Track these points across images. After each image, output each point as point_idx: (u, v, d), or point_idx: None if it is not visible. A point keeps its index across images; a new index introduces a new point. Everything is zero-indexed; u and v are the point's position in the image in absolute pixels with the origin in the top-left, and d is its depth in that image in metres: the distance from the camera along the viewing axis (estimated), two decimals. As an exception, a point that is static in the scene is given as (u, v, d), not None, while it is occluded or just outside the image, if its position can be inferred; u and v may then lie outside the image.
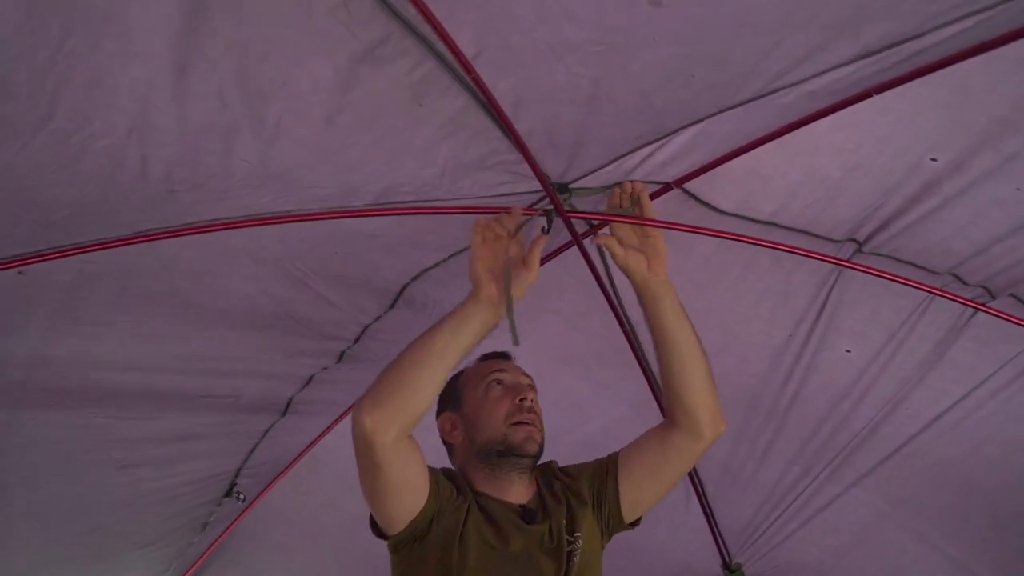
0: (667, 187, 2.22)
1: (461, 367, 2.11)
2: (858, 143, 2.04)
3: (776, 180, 2.20)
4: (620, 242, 2.02)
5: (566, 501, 1.98)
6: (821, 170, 2.14)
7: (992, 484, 2.77)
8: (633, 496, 2.04)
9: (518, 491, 1.96)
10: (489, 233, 1.95)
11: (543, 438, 2.00)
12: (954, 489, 2.87)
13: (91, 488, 2.85)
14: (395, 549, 1.84)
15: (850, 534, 3.29)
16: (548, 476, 2.07)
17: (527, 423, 1.96)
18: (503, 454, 1.93)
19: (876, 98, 1.85)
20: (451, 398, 2.07)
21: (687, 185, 2.28)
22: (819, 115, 1.92)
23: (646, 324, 2.07)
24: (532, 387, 2.06)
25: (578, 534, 1.93)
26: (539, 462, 2.04)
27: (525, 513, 1.93)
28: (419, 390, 1.73)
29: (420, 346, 1.78)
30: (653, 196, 2.18)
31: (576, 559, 1.90)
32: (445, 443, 2.09)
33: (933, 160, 2.00)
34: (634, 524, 2.09)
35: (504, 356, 2.13)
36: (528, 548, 1.86)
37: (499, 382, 2.03)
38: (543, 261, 2.55)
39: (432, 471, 1.85)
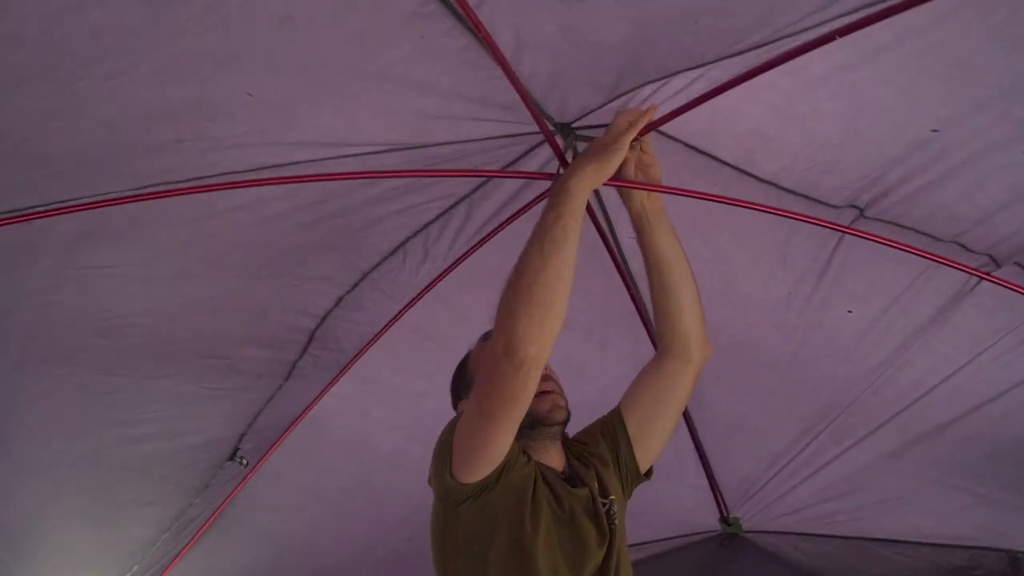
0: (645, 129, 2.17)
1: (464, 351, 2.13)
2: (859, 111, 2.03)
3: (777, 142, 2.19)
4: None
5: (593, 466, 2.01)
6: (822, 135, 2.13)
7: (992, 434, 2.81)
8: (643, 440, 2.07)
9: (554, 458, 1.99)
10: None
11: (567, 402, 2.02)
12: (955, 441, 2.90)
13: (92, 448, 2.86)
14: (459, 502, 1.82)
15: (849, 486, 3.33)
16: (569, 444, 2.09)
17: (547, 391, 1.97)
18: (533, 426, 1.93)
19: (877, 70, 1.86)
20: (466, 385, 2.06)
21: (688, 140, 2.27)
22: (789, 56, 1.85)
23: (641, 251, 2.09)
24: None
25: (612, 496, 1.97)
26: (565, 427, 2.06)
27: (566, 478, 1.96)
28: (563, 305, 1.71)
29: (561, 258, 1.71)
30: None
31: (616, 521, 1.93)
32: None
33: (935, 131, 1.99)
34: (648, 475, 2.12)
35: None
36: (575, 512, 1.88)
37: None
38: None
39: None
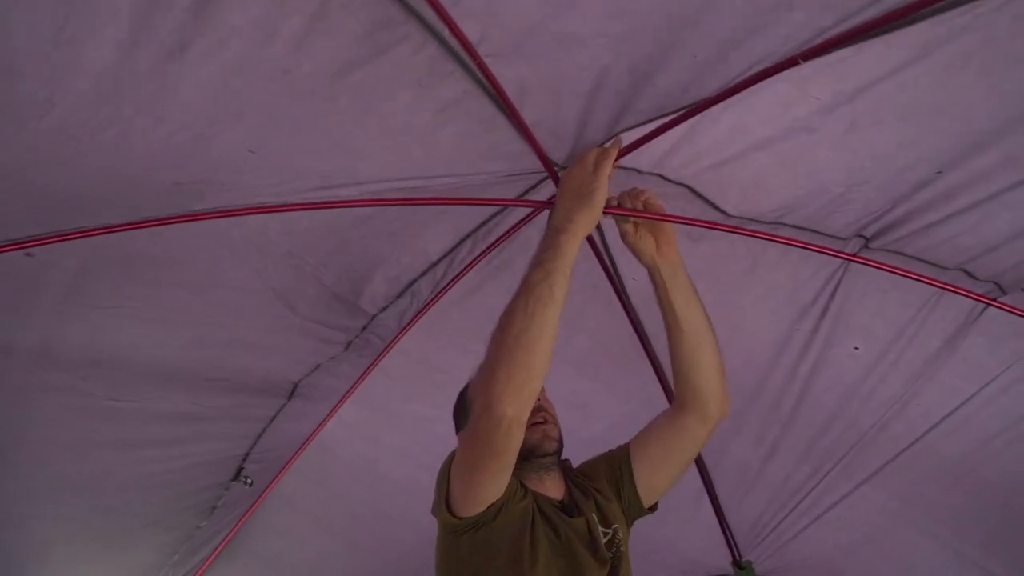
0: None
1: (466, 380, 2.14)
2: (862, 161, 2.02)
3: (781, 192, 2.20)
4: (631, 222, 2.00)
5: (593, 497, 2.01)
6: (825, 183, 2.13)
7: (1002, 481, 2.75)
8: (649, 481, 2.07)
9: (551, 487, 2.00)
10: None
11: (559, 432, 2.03)
12: (964, 486, 2.85)
13: (98, 469, 2.86)
14: (460, 533, 1.83)
15: (860, 532, 3.27)
16: (570, 473, 2.10)
17: (539, 422, 1.98)
18: (526, 457, 1.94)
19: (880, 121, 1.86)
20: (466, 415, 2.05)
21: (696, 186, 2.28)
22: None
23: (659, 307, 2.06)
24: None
25: (615, 526, 1.97)
26: (561, 457, 2.08)
27: (563, 508, 1.97)
28: (545, 369, 1.70)
29: (543, 317, 1.68)
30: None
31: (622, 549, 1.95)
32: None
33: (938, 173, 1.99)
34: (652, 509, 2.12)
35: None
36: (571, 541, 1.89)
37: None
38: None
39: None
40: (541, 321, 1.67)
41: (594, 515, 1.97)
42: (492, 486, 1.78)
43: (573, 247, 1.76)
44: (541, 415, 2.01)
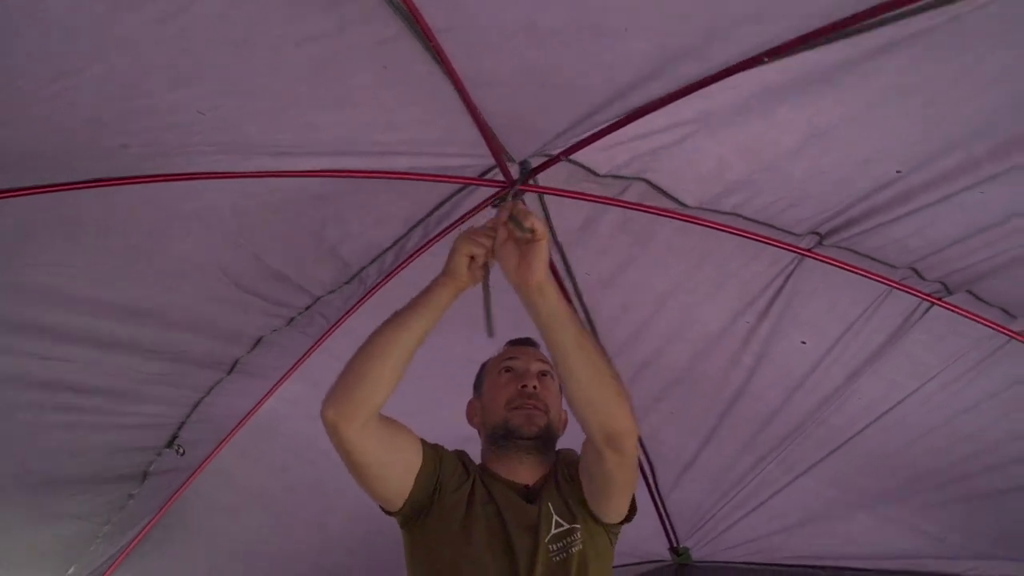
0: (556, 159, 2.18)
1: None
2: (824, 150, 2.03)
3: (741, 181, 2.21)
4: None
5: (566, 490, 1.95)
6: (785, 171, 2.13)
7: (937, 467, 2.83)
8: (591, 499, 1.91)
9: (525, 472, 1.96)
10: (484, 243, 1.82)
11: (548, 421, 1.97)
12: (902, 476, 2.92)
13: (25, 429, 2.76)
14: (404, 525, 1.85)
15: (796, 516, 3.33)
16: (562, 463, 2.01)
17: (527, 407, 1.95)
18: (506, 436, 1.94)
19: (847, 109, 1.86)
20: (477, 384, 2.09)
21: (652, 178, 2.28)
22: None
23: None
24: (544, 373, 2.04)
25: (577, 525, 1.89)
26: (554, 446, 2.02)
27: (528, 493, 1.93)
28: (381, 381, 1.71)
29: (387, 336, 1.73)
30: (543, 167, 2.16)
31: (573, 550, 1.87)
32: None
33: (898, 172, 2.01)
34: (628, 519, 1.96)
35: (526, 342, 2.10)
36: (511, 525, 1.86)
37: (509, 369, 2.03)
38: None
39: (433, 448, 1.87)
40: (383, 339, 1.72)
41: (550, 505, 1.90)
42: (380, 487, 1.79)
43: (441, 292, 1.80)
44: (531, 401, 1.96)
